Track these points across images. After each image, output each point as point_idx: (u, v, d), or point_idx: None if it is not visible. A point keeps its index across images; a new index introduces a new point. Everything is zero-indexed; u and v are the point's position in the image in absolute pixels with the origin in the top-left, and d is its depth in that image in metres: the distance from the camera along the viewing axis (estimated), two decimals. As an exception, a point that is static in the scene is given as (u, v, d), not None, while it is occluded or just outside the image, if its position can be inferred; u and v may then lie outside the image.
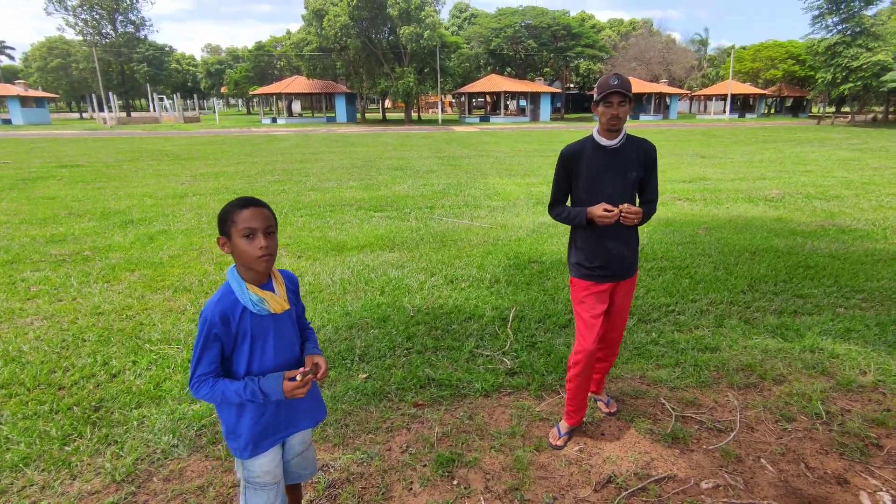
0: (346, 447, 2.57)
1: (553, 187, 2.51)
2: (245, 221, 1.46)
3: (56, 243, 6.31)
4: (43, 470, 2.42)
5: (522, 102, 47.97)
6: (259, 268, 1.50)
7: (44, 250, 5.99)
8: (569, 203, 2.53)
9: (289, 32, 51.11)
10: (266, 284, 1.58)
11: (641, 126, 35.83)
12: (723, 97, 49.37)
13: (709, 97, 53.77)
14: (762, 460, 2.46)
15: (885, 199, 8.70)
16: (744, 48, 54.89)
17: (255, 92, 47.12)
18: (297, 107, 56.87)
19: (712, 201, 8.63)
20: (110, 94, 45.50)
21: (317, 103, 50.47)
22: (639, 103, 49.30)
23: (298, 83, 44.40)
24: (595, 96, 2.30)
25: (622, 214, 2.26)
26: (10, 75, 64.05)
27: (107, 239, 6.50)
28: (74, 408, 2.90)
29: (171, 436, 2.64)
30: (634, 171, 2.39)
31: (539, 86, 45.15)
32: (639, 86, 46.43)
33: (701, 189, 9.80)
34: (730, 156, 15.79)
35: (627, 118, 2.30)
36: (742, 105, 51.43)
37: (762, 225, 6.91)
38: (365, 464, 2.45)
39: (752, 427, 2.71)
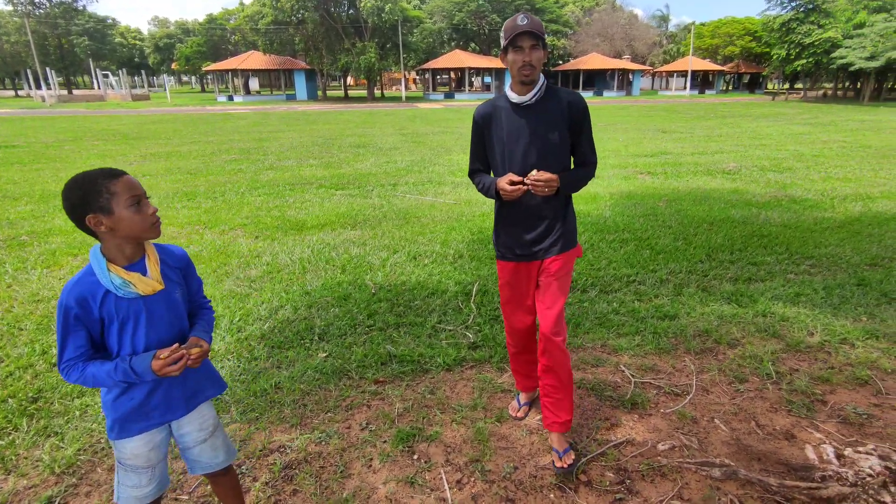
0: (303, 427, 2.50)
1: (470, 154, 2.19)
2: (128, 190, 1.36)
3: (-11, 228, 5.87)
4: (-28, 467, 2.26)
5: (487, 79, 47.52)
6: (153, 235, 1.43)
7: (-25, 236, 5.57)
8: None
9: (242, 4, 48.67)
10: (137, 264, 1.44)
11: (605, 102, 36.17)
12: (683, 73, 50.27)
13: (670, 73, 54.69)
14: (716, 420, 2.53)
15: (833, 170, 9.07)
16: (703, 25, 55.83)
17: (209, 68, 44.95)
18: (254, 84, 54.70)
19: (673, 174, 8.80)
20: (48, 69, 42.48)
21: (275, 80, 48.57)
22: (602, 80, 49.68)
23: (255, 59, 42.57)
24: (502, 42, 1.94)
25: (531, 183, 1.92)
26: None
27: (46, 223, 6.09)
28: (9, 400, 2.71)
29: (116, 424, 2.50)
30: (557, 130, 1.99)
31: (504, 62, 44.76)
32: (603, 62, 46.77)
33: (662, 163, 9.98)
34: (690, 131, 16.14)
35: (542, 66, 1.94)
36: (702, 81, 52.58)
37: (720, 197, 7.09)
38: (323, 443, 2.39)
39: (707, 389, 2.78)
